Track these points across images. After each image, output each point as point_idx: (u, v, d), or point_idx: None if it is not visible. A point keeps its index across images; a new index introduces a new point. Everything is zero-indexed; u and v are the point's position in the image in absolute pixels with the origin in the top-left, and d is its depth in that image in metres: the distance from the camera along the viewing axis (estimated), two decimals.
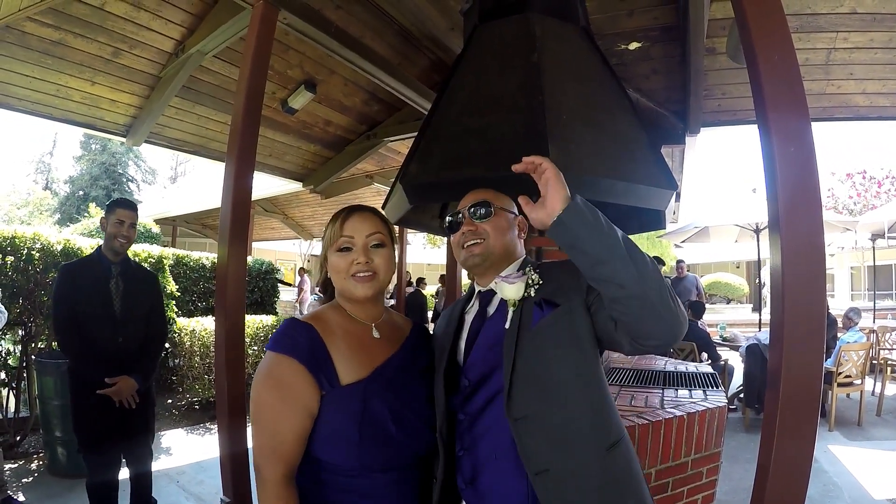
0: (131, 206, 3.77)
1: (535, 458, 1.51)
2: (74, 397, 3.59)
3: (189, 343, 7.23)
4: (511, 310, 1.66)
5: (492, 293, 1.79)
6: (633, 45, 4.73)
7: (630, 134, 3.14)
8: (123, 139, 5.68)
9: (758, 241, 10.11)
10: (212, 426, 6.67)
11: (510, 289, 1.65)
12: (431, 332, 2.01)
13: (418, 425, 1.62)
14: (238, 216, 3.29)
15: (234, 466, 3.01)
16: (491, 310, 1.77)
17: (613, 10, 4.38)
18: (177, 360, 7.48)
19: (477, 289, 1.87)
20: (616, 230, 1.39)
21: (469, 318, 1.83)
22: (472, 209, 1.81)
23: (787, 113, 2.07)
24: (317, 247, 22.31)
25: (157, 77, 5.06)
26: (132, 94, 5.19)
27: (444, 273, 16.16)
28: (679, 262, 11.47)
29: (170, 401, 7.51)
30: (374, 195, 10.64)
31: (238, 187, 3.29)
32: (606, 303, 1.46)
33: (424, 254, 32.04)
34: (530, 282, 1.67)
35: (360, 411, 1.51)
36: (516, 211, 1.88)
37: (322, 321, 1.65)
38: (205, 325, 7.25)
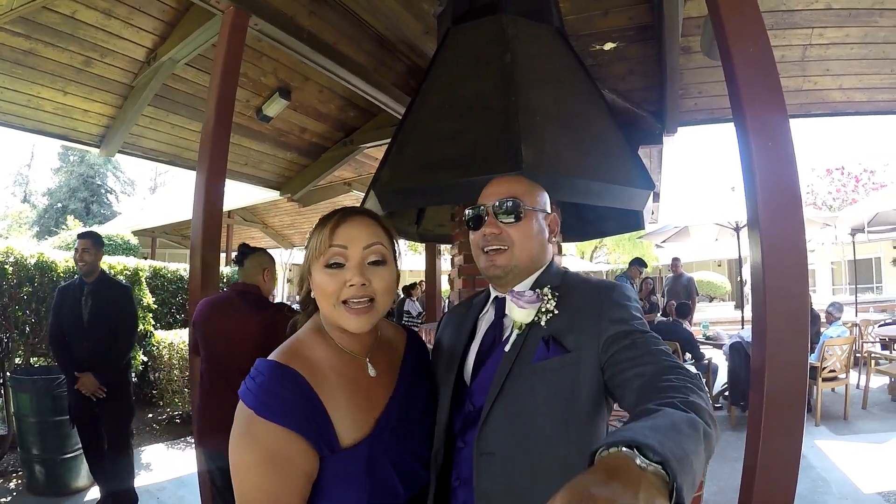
0: (84, 236, 4.45)
1: (491, 499, 1.34)
2: (69, 388, 4.36)
3: (168, 356, 7.10)
4: (516, 332, 1.42)
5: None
6: (609, 46, 4.72)
7: (605, 134, 3.12)
8: (97, 150, 5.59)
9: (738, 238, 10.17)
10: (192, 440, 6.57)
11: (519, 312, 1.41)
12: (434, 337, 1.74)
13: (417, 468, 1.37)
14: (210, 224, 3.25)
15: (213, 482, 2.95)
16: (507, 327, 1.49)
17: (588, 10, 4.37)
18: (156, 374, 7.35)
19: (493, 294, 1.61)
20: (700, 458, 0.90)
21: (483, 326, 1.58)
22: (499, 206, 1.51)
23: (763, 106, 2.05)
24: (298, 256, 22.12)
25: (130, 86, 4.98)
26: (105, 103, 5.11)
27: (418, 280, 16.19)
28: (675, 259, 11.55)
29: (150, 415, 7.37)
30: (352, 203, 10.56)
31: (210, 195, 3.25)
32: None
33: (405, 260, 32.00)
34: (543, 309, 1.41)
35: (366, 478, 1.25)
36: (549, 207, 1.61)
37: (308, 363, 1.30)
38: (183, 337, 7.13)
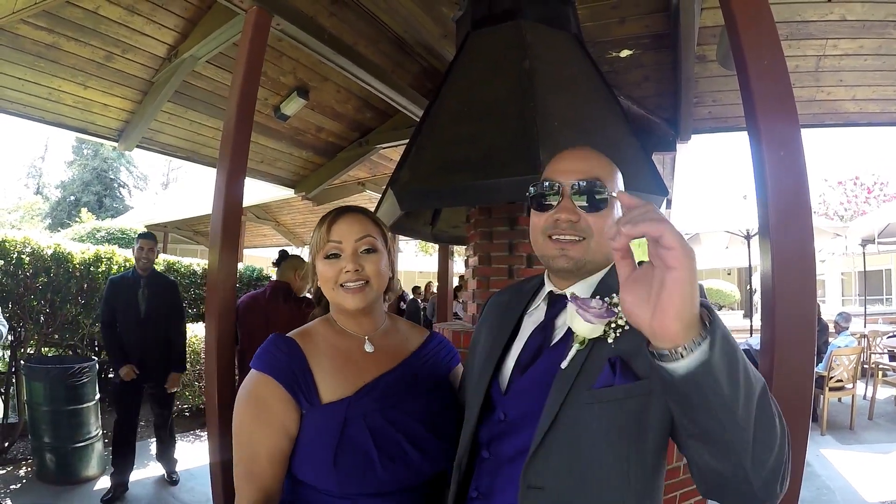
0: (148, 237, 5.02)
1: None
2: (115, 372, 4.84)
3: None
4: (576, 347, 1.16)
5: (566, 301, 1.23)
6: (625, 53, 4.75)
7: (621, 140, 3.15)
8: (115, 144, 5.66)
9: (748, 247, 10.16)
10: (202, 433, 6.63)
11: (584, 326, 1.13)
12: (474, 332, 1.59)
13: (413, 453, 1.40)
14: (229, 222, 3.29)
15: (225, 474, 2.99)
16: (558, 331, 1.27)
17: (605, 17, 4.40)
18: None
19: (548, 287, 1.35)
20: (753, 393, 0.86)
21: (528, 325, 1.35)
22: (579, 187, 1.24)
23: (776, 116, 2.08)
24: (307, 253, 22.32)
25: (150, 82, 5.05)
26: (124, 98, 5.17)
27: (426, 281, 16.20)
28: None
29: None
30: (366, 202, 10.56)
31: (229, 193, 3.29)
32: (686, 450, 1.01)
33: (416, 261, 32.01)
34: (614, 324, 1.13)
35: (337, 433, 1.35)
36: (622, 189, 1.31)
37: (308, 336, 1.51)
38: (195, 331, 7.18)
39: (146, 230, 5.61)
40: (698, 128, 5.46)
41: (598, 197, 1.22)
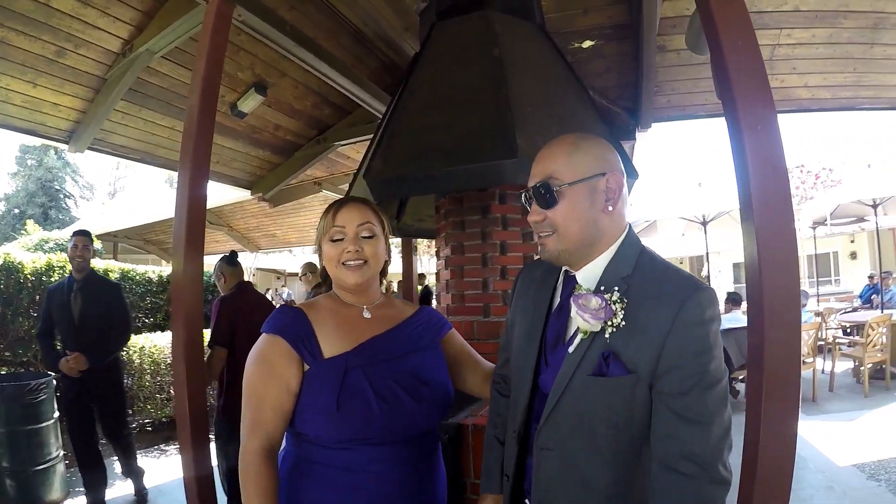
0: (83, 233, 4.83)
1: (545, 488, 1.43)
2: (63, 388, 4.73)
3: (139, 361, 6.94)
4: (580, 336, 1.37)
5: (576, 281, 1.47)
6: (587, 44, 4.80)
7: (592, 126, 3.20)
8: (66, 146, 5.43)
9: (705, 232, 10.39)
10: (167, 448, 6.46)
11: (583, 324, 1.35)
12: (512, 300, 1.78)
13: (408, 402, 1.65)
14: (193, 223, 3.15)
15: (200, 488, 2.82)
16: (573, 324, 1.43)
17: (568, 8, 4.43)
18: (126, 380, 7.18)
19: (564, 266, 1.54)
20: None
21: (556, 300, 1.55)
22: (534, 191, 1.44)
23: (752, 95, 2.13)
24: (262, 260, 22.19)
25: (103, 79, 4.83)
26: (76, 97, 4.94)
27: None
28: None
29: None
30: (322, 203, 10.39)
31: (193, 193, 3.15)
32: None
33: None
34: (610, 323, 1.32)
35: (339, 383, 1.59)
36: (600, 168, 1.43)
37: (313, 306, 1.79)
38: (154, 341, 7.01)
39: (82, 228, 5.35)
40: (658, 116, 5.56)
41: (549, 194, 1.41)
